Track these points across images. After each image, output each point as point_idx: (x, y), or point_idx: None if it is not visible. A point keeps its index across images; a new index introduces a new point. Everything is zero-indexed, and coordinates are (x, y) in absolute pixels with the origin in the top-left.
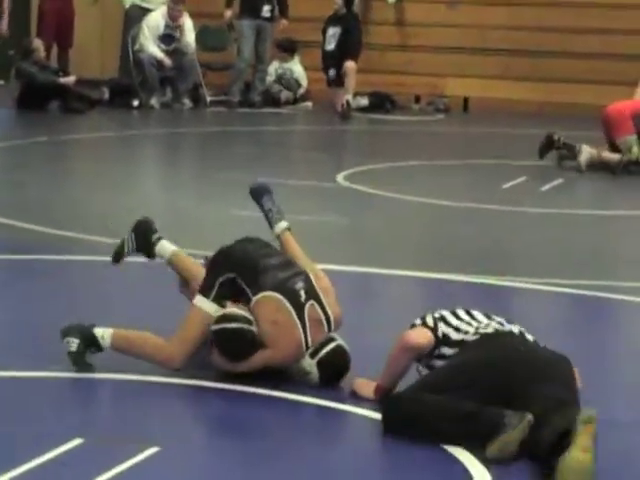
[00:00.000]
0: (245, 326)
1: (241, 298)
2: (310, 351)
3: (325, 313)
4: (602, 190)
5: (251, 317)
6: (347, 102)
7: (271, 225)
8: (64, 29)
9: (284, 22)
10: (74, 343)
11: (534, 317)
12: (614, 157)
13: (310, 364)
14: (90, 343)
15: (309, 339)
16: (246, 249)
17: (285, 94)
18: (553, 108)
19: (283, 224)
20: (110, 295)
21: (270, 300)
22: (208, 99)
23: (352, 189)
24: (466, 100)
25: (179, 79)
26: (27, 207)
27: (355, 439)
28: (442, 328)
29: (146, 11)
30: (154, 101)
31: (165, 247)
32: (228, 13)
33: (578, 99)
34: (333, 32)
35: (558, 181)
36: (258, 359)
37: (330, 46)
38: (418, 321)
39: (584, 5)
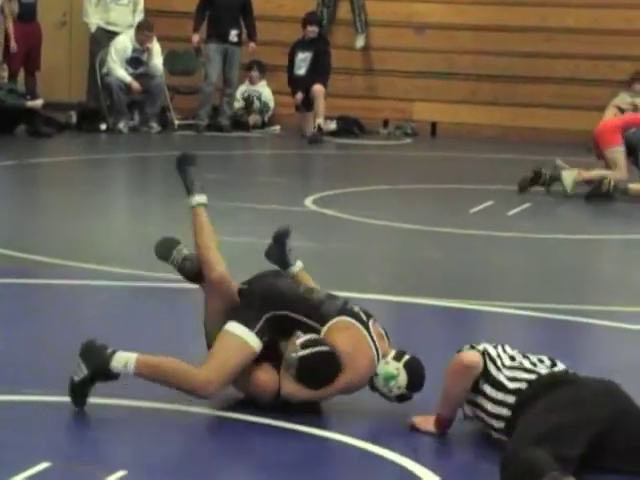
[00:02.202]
0: (332, 349)
1: (287, 335)
2: (392, 356)
3: (383, 328)
4: (569, 214)
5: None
6: (319, 126)
7: (290, 264)
8: (32, 53)
9: (252, 45)
10: (82, 372)
11: (503, 341)
12: (598, 174)
13: (397, 367)
14: (102, 377)
15: (380, 353)
16: (291, 286)
17: (253, 118)
18: (520, 133)
19: (300, 263)
20: (79, 318)
21: (341, 324)
22: (176, 123)
23: (320, 213)
24: (434, 125)
25: (147, 103)
26: None
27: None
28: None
29: (112, 34)
30: (122, 125)
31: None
32: (196, 37)
33: (545, 124)
34: (303, 56)
35: (525, 205)
36: (340, 383)
37: (301, 71)
38: (466, 347)
39: (551, 30)
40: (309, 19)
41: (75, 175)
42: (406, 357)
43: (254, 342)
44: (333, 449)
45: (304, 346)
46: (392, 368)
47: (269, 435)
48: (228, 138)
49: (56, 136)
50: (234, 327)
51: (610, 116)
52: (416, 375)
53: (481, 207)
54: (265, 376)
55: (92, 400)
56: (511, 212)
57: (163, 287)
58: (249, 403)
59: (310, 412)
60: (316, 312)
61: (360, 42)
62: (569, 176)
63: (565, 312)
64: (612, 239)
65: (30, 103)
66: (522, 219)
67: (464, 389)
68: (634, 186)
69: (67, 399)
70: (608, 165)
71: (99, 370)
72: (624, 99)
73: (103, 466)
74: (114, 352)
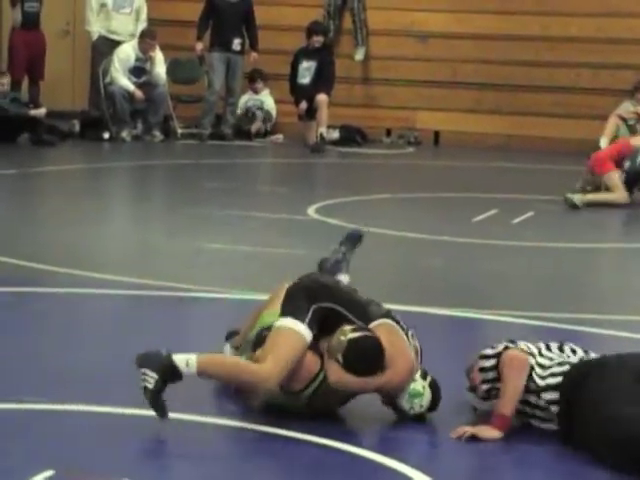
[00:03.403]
0: (379, 338)
1: (329, 331)
2: (419, 374)
3: (420, 345)
4: (572, 223)
5: None
6: (321, 135)
7: (342, 271)
8: (35, 61)
9: (254, 55)
10: (152, 378)
11: None
12: (604, 198)
13: (424, 385)
14: (170, 376)
15: (417, 364)
16: (337, 282)
17: (256, 126)
18: (523, 141)
19: (348, 277)
20: (78, 327)
21: (385, 325)
22: (179, 132)
23: (323, 222)
24: (437, 133)
25: (150, 112)
26: None
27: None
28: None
29: (114, 43)
30: (125, 134)
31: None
32: (199, 46)
33: (547, 133)
34: (308, 65)
35: (529, 214)
36: (381, 379)
37: (304, 80)
38: (501, 346)
39: (554, 39)
40: (314, 29)
41: (78, 184)
42: (429, 377)
43: (305, 332)
44: (339, 459)
45: (354, 330)
46: (419, 386)
47: (272, 442)
48: (231, 147)
49: (59, 145)
50: (284, 321)
51: (612, 125)
52: (437, 396)
53: (485, 216)
54: (309, 355)
55: (95, 408)
56: (515, 221)
57: (165, 295)
58: (252, 412)
59: (320, 420)
60: (362, 310)
61: (359, 55)
62: (577, 197)
63: (568, 321)
64: (616, 248)
65: (33, 112)
66: (526, 228)
67: (524, 383)
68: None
69: (70, 407)
70: (607, 188)
71: (167, 369)
72: (627, 108)
73: (107, 474)
74: (170, 354)
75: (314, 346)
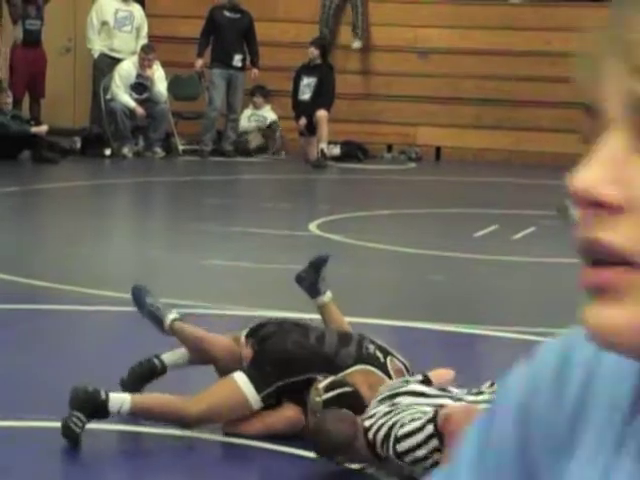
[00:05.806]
0: (354, 388)
1: (307, 388)
2: None
3: (402, 362)
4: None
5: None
6: (322, 151)
7: (320, 292)
8: (36, 79)
9: (255, 71)
10: (81, 422)
11: (505, 366)
12: None
13: None
14: (98, 415)
15: None
16: (300, 343)
17: (259, 140)
18: (524, 157)
19: (330, 294)
20: (79, 344)
21: (358, 371)
22: (180, 148)
23: (324, 238)
24: (438, 149)
25: (151, 128)
26: None
27: None
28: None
29: (115, 60)
30: (126, 150)
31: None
32: (199, 62)
33: (549, 148)
34: (308, 82)
35: (530, 229)
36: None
37: (305, 96)
38: None
39: (555, 54)
40: (311, 41)
41: (79, 201)
42: None
43: (255, 402)
44: (333, 473)
45: (327, 389)
46: None
47: (263, 458)
48: (232, 163)
49: (60, 162)
50: (242, 380)
51: None
52: None
53: (486, 231)
54: (291, 412)
55: (95, 426)
56: (516, 236)
57: None
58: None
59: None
60: (331, 364)
61: (357, 44)
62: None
63: None
64: None
65: (34, 129)
66: (527, 243)
67: None
68: None
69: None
70: None
71: (100, 414)
72: None
73: None
74: (107, 395)
75: (299, 404)
